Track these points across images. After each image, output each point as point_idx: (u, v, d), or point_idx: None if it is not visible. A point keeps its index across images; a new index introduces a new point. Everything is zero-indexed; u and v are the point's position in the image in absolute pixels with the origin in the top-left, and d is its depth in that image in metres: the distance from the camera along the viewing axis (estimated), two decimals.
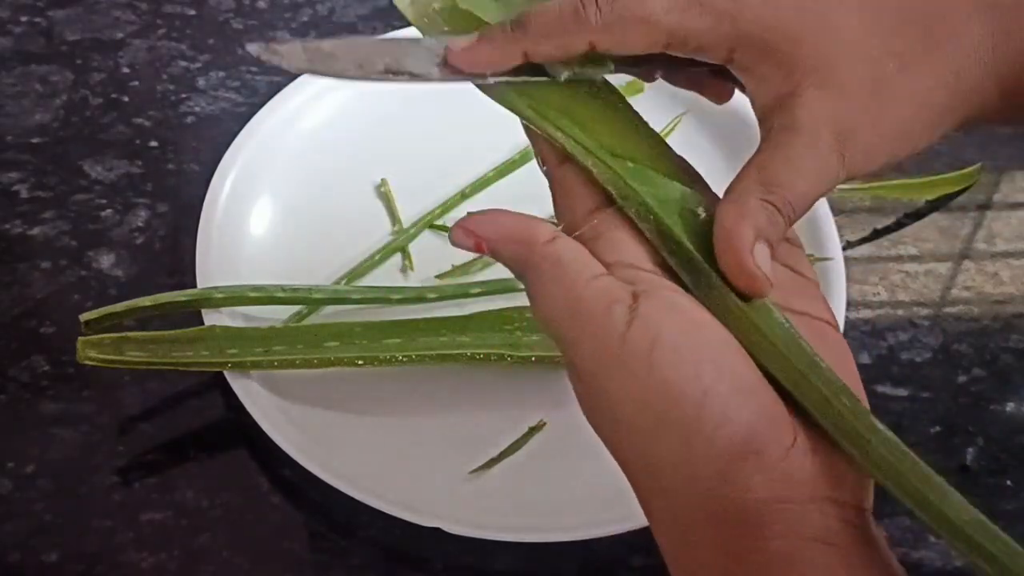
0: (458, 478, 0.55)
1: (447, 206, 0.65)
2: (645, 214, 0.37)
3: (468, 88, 0.66)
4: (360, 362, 0.56)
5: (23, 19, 0.73)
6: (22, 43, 0.72)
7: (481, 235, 0.38)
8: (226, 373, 0.55)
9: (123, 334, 0.55)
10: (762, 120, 0.38)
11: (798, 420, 0.34)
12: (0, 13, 0.73)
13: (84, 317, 0.54)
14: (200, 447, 0.57)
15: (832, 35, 0.37)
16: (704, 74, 0.41)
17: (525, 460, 0.56)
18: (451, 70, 0.39)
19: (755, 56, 0.37)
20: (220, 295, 0.57)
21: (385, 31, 0.71)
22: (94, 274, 0.62)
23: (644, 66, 0.41)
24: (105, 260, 0.63)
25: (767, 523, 0.33)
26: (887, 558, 0.34)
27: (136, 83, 0.70)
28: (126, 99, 0.70)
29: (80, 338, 0.53)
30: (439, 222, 0.64)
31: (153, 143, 0.68)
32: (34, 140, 0.67)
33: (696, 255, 0.36)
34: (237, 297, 0.58)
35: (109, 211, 0.64)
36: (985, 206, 0.69)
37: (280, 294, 0.58)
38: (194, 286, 0.58)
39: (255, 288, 0.58)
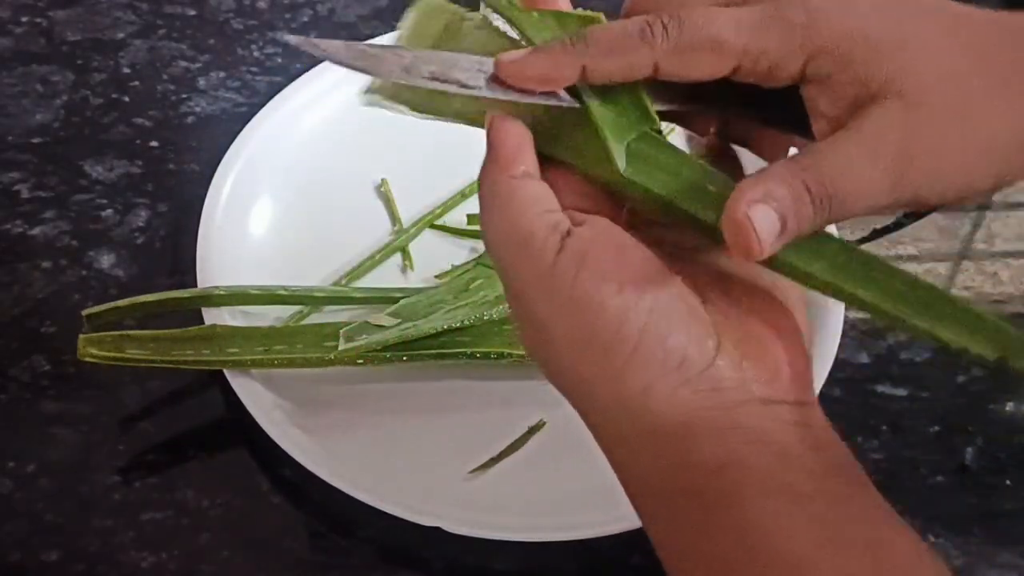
0: (458, 478, 0.55)
1: (447, 206, 0.65)
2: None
3: None
4: (360, 361, 0.56)
5: (24, 19, 0.73)
6: (23, 43, 0.72)
7: (494, 127, 0.38)
8: (226, 372, 0.55)
9: (124, 332, 0.55)
10: (826, 136, 0.36)
11: (728, 330, 0.35)
12: (1, 13, 0.73)
13: (86, 312, 0.55)
14: (200, 447, 0.57)
15: (915, 45, 0.35)
16: (756, 124, 0.40)
17: (525, 460, 0.56)
18: (500, 83, 0.37)
19: (831, 66, 0.35)
20: (221, 293, 0.57)
21: (386, 31, 0.71)
22: (94, 274, 0.62)
23: (699, 109, 0.39)
24: (105, 260, 0.63)
25: (698, 433, 0.34)
26: (831, 449, 0.35)
27: (136, 83, 0.70)
28: (127, 99, 0.70)
29: (81, 335, 0.54)
30: (439, 222, 0.64)
31: (153, 143, 0.68)
32: (35, 140, 0.67)
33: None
34: (239, 296, 0.58)
35: (109, 211, 0.64)
36: (984, 206, 0.69)
37: (281, 293, 0.58)
38: (194, 286, 0.58)
39: (256, 287, 0.58)
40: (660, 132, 0.37)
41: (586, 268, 0.35)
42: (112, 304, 0.55)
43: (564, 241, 0.35)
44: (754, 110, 0.38)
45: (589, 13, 0.39)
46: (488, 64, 0.37)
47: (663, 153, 0.36)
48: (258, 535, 0.54)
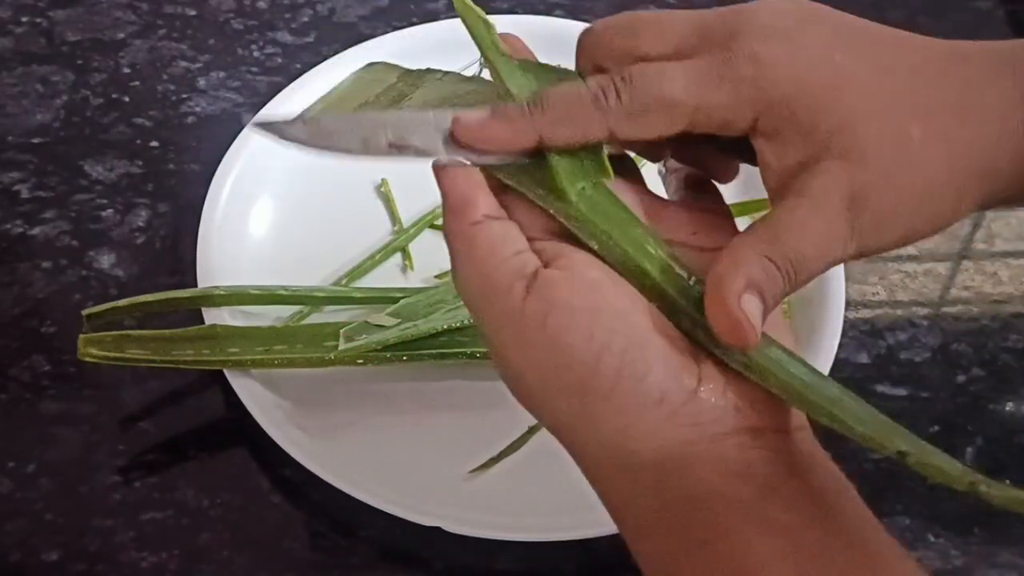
0: (458, 478, 0.55)
1: None
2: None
3: None
4: (360, 361, 0.56)
5: (24, 19, 0.73)
6: (23, 43, 0.72)
7: (440, 177, 0.38)
8: (227, 372, 0.55)
9: (124, 332, 0.55)
10: (777, 191, 0.36)
11: (709, 359, 0.35)
12: (1, 13, 0.73)
13: (87, 312, 0.55)
14: (200, 447, 0.57)
15: (855, 96, 0.35)
16: (711, 152, 0.40)
17: (525, 460, 0.56)
18: (458, 146, 0.37)
19: (778, 121, 0.36)
20: (222, 293, 0.57)
21: (386, 31, 0.71)
22: (95, 274, 0.62)
23: (653, 146, 0.39)
24: (106, 260, 0.63)
25: (682, 468, 0.34)
26: (818, 474, 0.35)
27: (137, 83, 0.70)
28: (127, 99, 0.70)
29: (81, 335, 0.54)
30: (439, 222, 0.64)
31: (154, 143, 0.68)
32: (35, 140, 0.67)
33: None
34: (239, 296, 0.58)
35: (110, 211, 0.64)
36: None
37: (281, 293, 0.58)
38: (194, 286, 0.58)
39: (256, 287, 0.58)
40: (611, 182, 0.37)
41: (554, 313, 0.34)
42: (112, 304, 0.55)
43: (530, 285, 0.35)
44: (706, 142, 0.38)
45: (566, 69, 0.39)
46: (444, 120, 0.37)
47: (612, 206, 0.37)
48: (258, 535, 0.54)
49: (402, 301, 0.59)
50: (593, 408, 0.34)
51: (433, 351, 0.57)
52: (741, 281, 0.34)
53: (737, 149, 0.38)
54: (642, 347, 0.34)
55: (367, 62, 0.48)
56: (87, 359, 0.54)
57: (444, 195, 0.37)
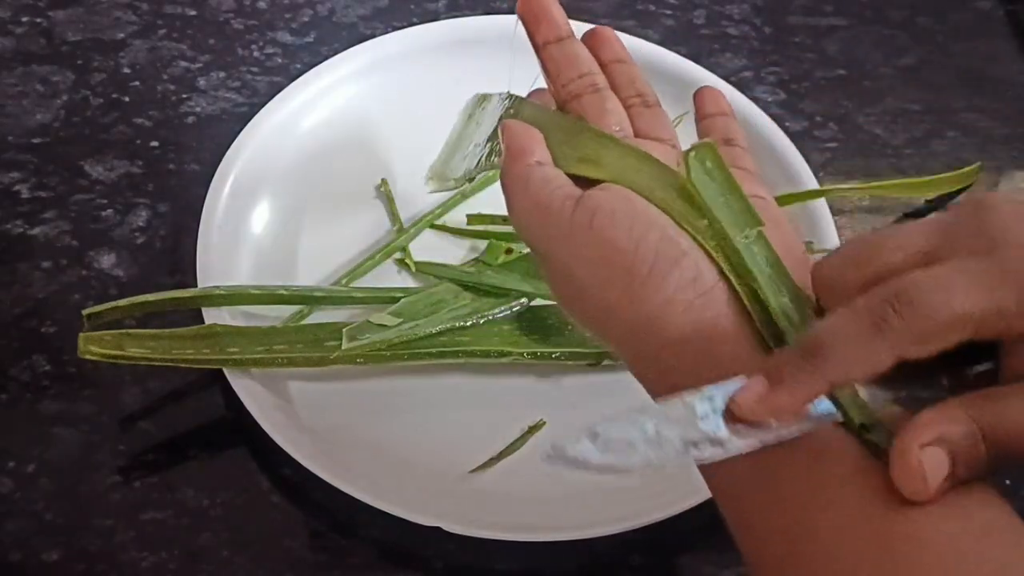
0: (458, 478, 0.55)
1: (447, 206, 0.65)
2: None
3: (466, 87, 0.67)
4: (360, 360, 0.56)
5: (24, 19, 0.73)
6: (23, 43, 0.72)
7: (503, 130, 0.46)
8: (226, 372, 0.55)
9: (124, 330, 0.55)
10: (1012, 380, 0.33)
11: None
12: (1, 13, 0.73)
13: (87, 311, 0.55)
14: (200, 447, 0.57)
15: None
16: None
17: (525, 460, 0.56)
18: (745, 426, 0.34)
19: None
20: (222, 293, 0.57)
21: (386, 31, 0.71)
22: (95, 274, 0.62)
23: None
24: (106, 260, 0.63)
25: (717, 337, 0.38)
26: None
27: (137, 83, 0.70)
28: (127, 99, 0.70)
29: (81, 334, 0.54)
30: (439, 222, 0.65)
31: (154, 143, 0.68)
32: (35, 140, 0.67)
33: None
34: (239, 295, 0.58)
35: (110, 211, 0.64)
36: None
37: (282, 293, 0.58)
38: (195, 286, 0.58)
39: (257, 287, 0.58)
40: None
41: (597, 215, 0.41)
42: (112, 304, 0.55)
43: (578, 201, 0.41)
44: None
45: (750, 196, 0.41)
46: (716, 400, 0.35)
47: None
48: (258, 535, 0.54)
49: (403, 300, 0.59)
50: (636, 286, 0.39)
51: (434, 350, 0.57)
52: (932, 432, 0.32)
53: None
54: (673, 239, 0.40)
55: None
56: (87, 357, 0.54)
57: (508, 144, 0.45)
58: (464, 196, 0.65)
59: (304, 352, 0.56)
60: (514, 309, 0.59)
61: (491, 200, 0.65)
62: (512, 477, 0.55)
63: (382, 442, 0.56)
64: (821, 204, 0.63)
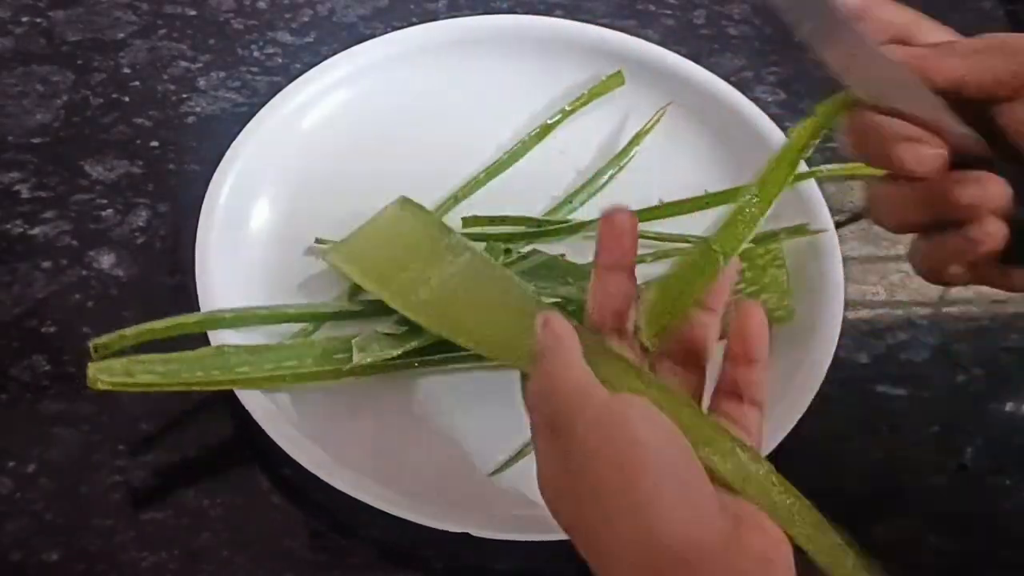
0: (458, 478, 0.55)
1: (442, 209, 0.64)
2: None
3: (467, 86, 0.66)
4: (371, 372, 0.56)
5: (24, 19, 0.73)
6: (23, 43, 0.72)
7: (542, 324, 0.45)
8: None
9: (133, 357, 0.54)
10: None
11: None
12: (0, 13, 0.73)
13: (94, 343, 0.53)
14: (200, 447, 0.57)
15: None
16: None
17: (525, 460, 0.56)
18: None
19: None
20: (229, 316, 0.57)
21: (386, 31, 0.71)
22: (95, 274, 0.62)
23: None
24: (106, 260, 0.63)
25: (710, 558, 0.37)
26: None
27: (137, 83, 0.70)
28: (127, 99, 0.70)
29: (90, 364, 0.52)
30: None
31: (154, 143, 0.68)
32: (35, 140, 0.67)
33: None
34: (246, 317, 0.57)
35: (110, 211, 0.64)
36: None
37: (289, 312, 0.58)
38: (195, 286, 0.58)
39: (263, 307, 0.58)
40: None
41: (636, 407, 0.41)
42: (119, 333, 0.54)
43: (614, 392, 0.42)
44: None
45: None
46: None
47: None
48: (258, 535, 0.54)
49: None
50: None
51: (442, 356, 0.57)
52: None
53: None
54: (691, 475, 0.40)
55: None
56: (99, 387, 0.53)
57: (551, 334, 0.44)
58: (457, 200, 0.65)
59: (314, 368, 0.56)
60: None
61: (487, 201, 0.65)
62: (512, 477, 0.55)
63: (382, 442, 0.56)
64: (811, 185, 0.64)
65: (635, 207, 0.54)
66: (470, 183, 0.65)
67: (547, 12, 0.75)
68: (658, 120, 0.67)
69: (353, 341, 0.56)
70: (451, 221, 0.64)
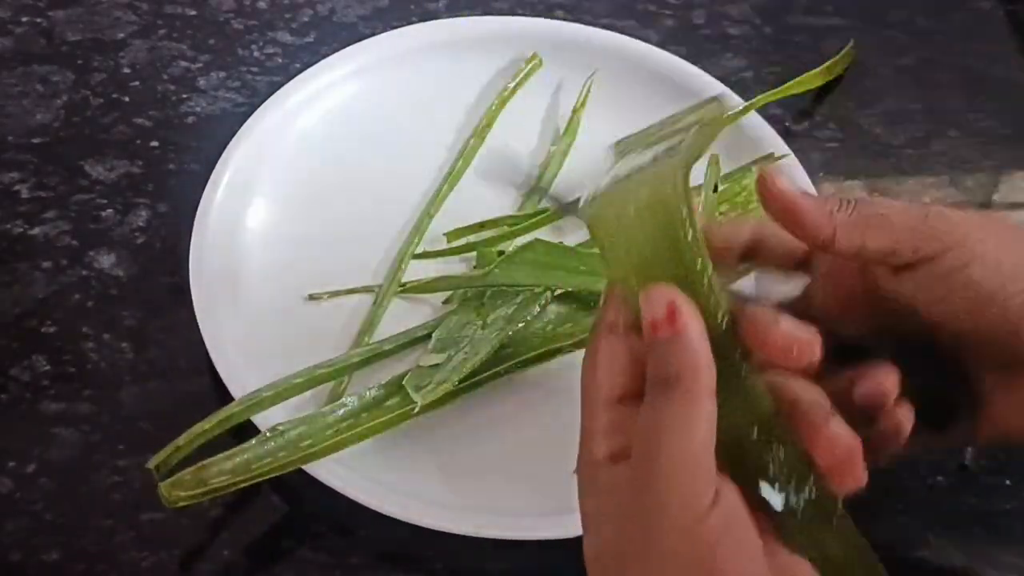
0: (458, 478, 0.55)
1: (420, 230, 0.63)
2: None
3: (465, 87, 0.66)
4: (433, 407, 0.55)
5: (24, 19, 0.73)
6: (23, 43, 0.72)
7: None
8: (225, 378, 0.55)
9: (200, 464, 0.51)
10: None
11: None
12: (0, 13, 0.73)
13: (150, 464, 0.51)
14: (200, 447, 0.57)
15: None
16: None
17: (526, 459, 0.56)
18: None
19: None
20: (269, 394, 0.54)
21: (385, 31, 0.71)
22: (95, 274, 0.62)
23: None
24: (106, 260, 0.63)
25: None
26: None
27: (137, 83, 0.70)
28: (127, 99, 0.70)
29: (161, 483, 0.50)
30: (419, 250, 0.63)
31: (154, 143, 0.68)
32: (35, 140, 0.67)
33: None
34: (286, 391, 0.55)
35: (110, 211, 0.64)
36: (985, 205, 0.69)
37: (323, 372, 0.56)
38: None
39: (298, 375, 0.56)
40: None
41: (723, 545, 0.35)
42: (173, 445, 0.52)
43: (714, 503, 0.35)
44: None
45: None
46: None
47: None
48: (258, 535, 0.54)
49: (434, 335, 0.58)
50: None
51: (491, 372, 0.56)
52: None
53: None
54: None
55: None
56: (179, 505, 0.51)
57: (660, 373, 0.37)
58: (430, 216, 0.63)
59: (374, 419, 0.54)
60: (542, 305, 0.58)
61: (460, 212, 0.64)
62: (513, 477, 0.55)
63: (382, 442, 0.56)
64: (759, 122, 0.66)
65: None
66: (436, 198, 0.64)
67: (548, 12, 0.75)
68: (588, 90, 0.68)
69: (405, 384, 0.55)
70: (434, 235, 0.63)
